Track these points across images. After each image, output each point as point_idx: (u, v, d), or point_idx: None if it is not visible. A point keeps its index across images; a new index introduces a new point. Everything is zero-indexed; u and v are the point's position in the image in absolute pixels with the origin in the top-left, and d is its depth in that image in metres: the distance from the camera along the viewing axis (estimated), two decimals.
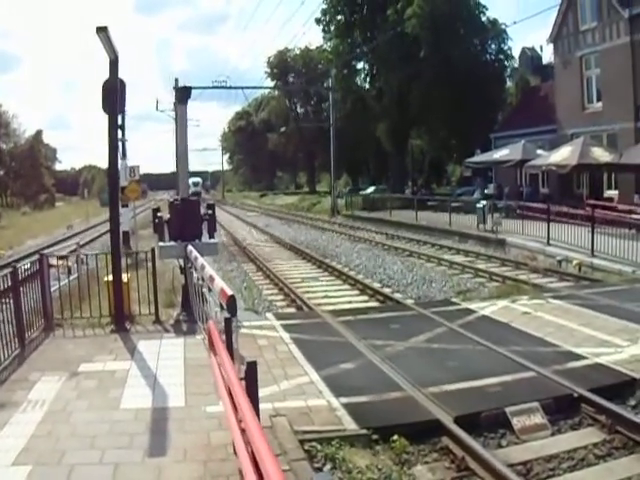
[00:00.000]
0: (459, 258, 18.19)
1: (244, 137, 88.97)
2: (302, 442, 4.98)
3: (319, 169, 77.38)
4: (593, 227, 15.14)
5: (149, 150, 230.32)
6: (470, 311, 9.55)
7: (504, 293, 11.61)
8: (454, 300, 11.20)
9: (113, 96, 8.73)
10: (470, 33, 36.40)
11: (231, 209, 58.90)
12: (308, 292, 13.55)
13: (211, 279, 6.20)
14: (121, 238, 10.11)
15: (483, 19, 39.29)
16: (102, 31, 7.83)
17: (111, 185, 9.63)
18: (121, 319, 8.71)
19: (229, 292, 5.11)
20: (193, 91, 13.06)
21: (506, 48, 40.73)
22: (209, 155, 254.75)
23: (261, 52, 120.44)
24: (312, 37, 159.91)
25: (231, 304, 4.96)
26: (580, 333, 7.97)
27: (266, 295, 13.78)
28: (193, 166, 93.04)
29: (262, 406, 4.40)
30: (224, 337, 4.64)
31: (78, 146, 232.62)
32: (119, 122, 9.46)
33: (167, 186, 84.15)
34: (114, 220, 9.22)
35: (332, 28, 42.07)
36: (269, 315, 10.07)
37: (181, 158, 10.90)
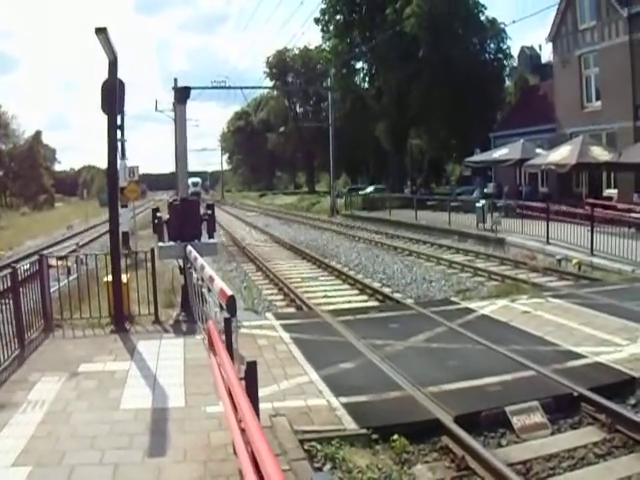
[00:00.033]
0: (458, 257, 18.19)
1: (243, 137, 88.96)
2: (302, 442, 4.98)
3: (318, 169, 77.40)
4: (592, 226, 15.15)
5: (148, 150, 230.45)
6: (470, 310, 9.56)
7: (503, 292, 11.62)
8: (453, 299, 11.21)
9: (112, 96, 8.73)
10: (469, 32, 36.42)
11: (230, 209, 58.88)
12: (308, 292, 13.55)
13: (211, 279, 6.20)
14: (120, 238, 10.11)
15: (482, 18, 39.30)
16: (101, 32, 7.83)
17: (110, 185, 9.63)
18: (121, 319, 8.71)
19: (229, 292, 5.11)
20: (192, 91, 13.07)
21: (505, 47, 40.87)
22: (208, 155, 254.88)
23: (260, 52, 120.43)
24: (311, 37, 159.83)
25: (231, 304, 4.96)
26: (580, 332, 7.97)
27: (266, 295, 13.78)
28: (192, 166, 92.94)
29: (262, 406, 4.40)
30: (224, 337, 4.64)
31: (77, 146, 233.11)
32: (118, 122, 9.42)
33: (166, 186, 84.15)
34: (113, 220, 9.22)
35: (331, 28, 42.07)
36: (269, 315, 10.07)
37: (180, 158, 10.87)
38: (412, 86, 37.49)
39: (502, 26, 39.35)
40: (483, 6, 39.18)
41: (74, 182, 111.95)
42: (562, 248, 16.17)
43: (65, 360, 7.17)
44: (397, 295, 12.90)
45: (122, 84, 9.15)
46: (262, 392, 4.57)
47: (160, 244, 9.57)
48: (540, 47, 40.58)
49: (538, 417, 5.58)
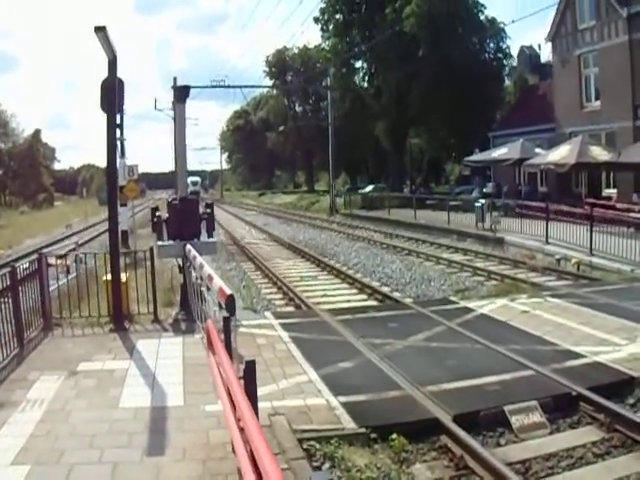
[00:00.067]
0: (458, 257, 18.20)
1: (243, 136, 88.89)
2: (301, 441, 4.98)
3: (317, 168, 77.34)
4: (592, 226, 15.16)
5: (148, 149, 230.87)
6: (469, 310, 9.56)
7: (503, 292, 11.63)
8: (453, 299, 11.22)
9: (112, 95, 8.73)
10: (468, 32, 36.35)
11: (230, 208, 58.86)
12: (307, 291, 13.55)
13: (210, 278, 6.20)
14: (120, 237, 10.10)
15: (481, 18, 39.22)
16: (100, 31, 7.82)
17: (110, 184, 9.62)
18: (120, 318, 8.71)
19: (228, 291, 5.11)
20: (192, 90, 13.02)
21: (505, 47, 40.74)
22: (208, 154, 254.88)
23: (260, 51, 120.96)
24: (311, 36, 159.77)
25: (230, 303, 4.96)
26: (579, 332, 7.98)
27: (265, 294, 13.78)
28: (192, 165, 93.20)
29: (261, 405, 4.40)
30: (223, 336, 4.64)
31: (77, 145, 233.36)
32: (117, 121, 9.45)
33: (166, 185, 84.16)
34: (113, 219, 9.23)
35: (330, 27, 41.99)
36: (268, 314, 10.06)
37: (180, 157, 10.85)
38: (412, 85, 37.46)
39: (502, 26, 39.37)
40: (483, 6, 39.17)
41: (73, 181, 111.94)
42: (561, 248, 16.18)
43: (64, 359, 7.17)
44: (396, 294, 12.91)
45: (121, 83, 9.16)
46: (261, 391, 4.57)
47: (159, 243, 9.57)
48: (540, 47, 40.69)
49: (537, 416, 5.58)
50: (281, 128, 64.28)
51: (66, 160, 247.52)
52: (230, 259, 19.89)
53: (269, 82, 69.06)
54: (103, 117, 8.68)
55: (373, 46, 37.31)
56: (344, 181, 69.98)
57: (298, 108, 74.46)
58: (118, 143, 15.06)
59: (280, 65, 69.66)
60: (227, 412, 3.92)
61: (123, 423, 5.31)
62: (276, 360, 7.09)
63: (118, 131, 13.23)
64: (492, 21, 39.69)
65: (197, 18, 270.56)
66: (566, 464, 4.91)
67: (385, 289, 13.51)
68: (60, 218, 45.31)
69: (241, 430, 3.37)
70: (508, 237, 19.27)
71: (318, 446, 4.99)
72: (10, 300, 7.35)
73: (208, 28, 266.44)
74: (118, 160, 13.16)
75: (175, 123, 13.37)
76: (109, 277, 8.87)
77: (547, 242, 17.13)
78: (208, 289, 6.62)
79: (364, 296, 13.10)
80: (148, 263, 9.24)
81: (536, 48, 41.10)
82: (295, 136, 69.65)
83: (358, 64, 44.50)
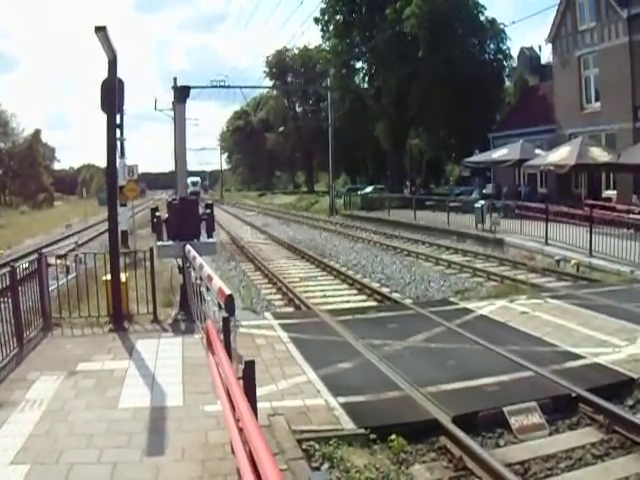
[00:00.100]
0: (457, 258, 18.20)
1: (242, 136, 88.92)
2: (300, 441, 4.98)
3: (317, 169, 77.39)
4: (591, 227, 15.16)
5: (148, 149, 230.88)
6: (468, 311, 9.57)
7: (502, 293, 11.63)
8: (452, 300, 11.23)
9: (112, 95, 8.73)
10: (469, 33, 36.40)
11: (230, 209, 58.85)
12: (306, 291, 13.56)
13: (209, 278, 6.20)
14: (119, 237, 10.11)
15: (482, 19, 39.25)
16: (100, 31, 7.82)
17: (109, 184, 9.62)
18: (119, 318, 8.71)
19: (227, 291, 5.11)
20: (192, 90, 13.05)
21: (505, 48, 40.79)
22: (208, 154, 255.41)
23: (260, 51, 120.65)
24: (311, 37, 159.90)
25: (229, 303, 4.96)
26: (578, 333, 7.98)
27: (264, 294, 13.78)
28: (191, 165, 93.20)
29: (260, 405, 4.40)
30: (222, 336, 4.64)
31: (77, 145, 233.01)
32: (117, 121, 9.44)
33: (166, 185, 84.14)
34: (112, 219, 9.23)
35: (331, 28, 42.01)
36: (267, 314, 10.07)
37: (179, 157, 10.85)
38: (412, 86, 37.49)
39: (502, 27, 39.37)
40: (483, 6, 39.20)
41: (73, 181, 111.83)
42: (561, 249, 16.18)
43: (64, 359, 7.17)
44: (396, 295, 12.91)
45: (121, 83, 9.16)
46: (260, 391, 4.57)
47: (159, 243, 9.57)
48: (540, 48, 40.74)
49: (536, 417, 5.58)
50: (281, 129, 64.29)
51: (66, 160, 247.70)
52: (230, 259, 19.89)
53: (269, 83, 69.22)
54: (103, 117, 8.69)
55: (373, 47, 37.36)
56: (344, 182, 69.96)
57: (298, 109, 74.53)
58: (118, 143, 15.07)
59: (280, 66, 69.73)
60: (226, 412, 3.92)
61: (122, 423, 5.31)
62: (275, 360, 7.09)
63: (118, 131, 13.24)
64: (492, 22, 39.73)
65: (197, 18, 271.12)
66: (565, 465, 4.91)
67: (385, 290, 13.51)
68: (60, 218, 45.33)
69: (240, 430, 3.37)
70: (508, 238, 19.28)
71: (317, 446, 4.99)
72: (10, 300, 7.35)
73: (208, 28, 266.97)
74: (118, 160, 13.17)
75: (175, 123, 13.37)
76: (109, 277, 8.87)
77: (547, 243, 17.13)
78: (208, 289, 6.61)
79: (364, 297, 13.10)
80: (148, 263, 9.24)
81: (536, 49, 41.21)
82: (295, 137, 69.69)
83: (358, 65, 44.59)
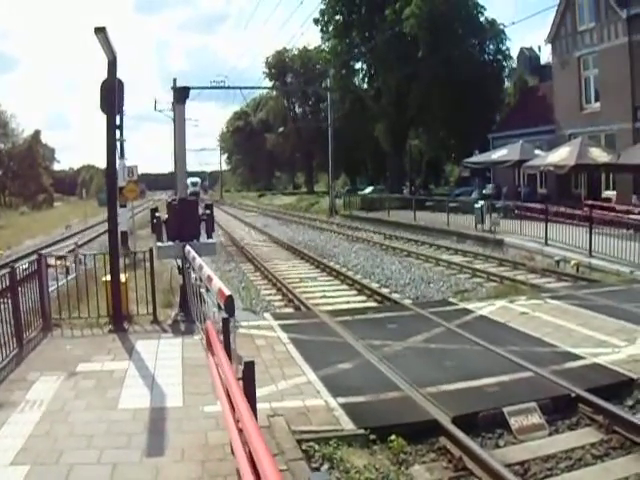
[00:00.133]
0: (457, 258, 18.20)
1: (242, 137, 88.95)
2: (300, 442, 4.98)
3: (317, 169, 77.40)
4: (591, 227, 15.16)
5: (148, 150, 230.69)
6: (468, 311, 9.57)
7: (502, 293, 11.63)
8: (452, 300, 11.22)
9: (111, 96, 8.73)
10: (468, 33, 36.42)
11: (229, 209, 58.87)
12: (306, 292, 13.56)
13: (209, 279, 6.20)
14: (119, 238, 10.11)
15: (481, 19, 39.28)
16: (100, 32, 7.83)
17: (109, 185, 9.62)
18: (119, 319, 8.71)
19: (227, 292, 5.10)
20: (192, 91, 13.05)
21: (504, 48, 40.82)
22: (207, 155, 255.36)
23: (260, 52, 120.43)
24: (310, 37, 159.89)
25: (229, 304, 4.96)
26: (578, 333, 7.98)
27: (264, 295, 13.79)
28: (191, 166, 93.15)
29: (260, 406, 4.40)
30: (222, 337, 4.64)
31: (76, 146, 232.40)
32: (117, 122, 9.45)
33: (165, 186, 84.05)
34: (112, 220, 9.23)
35: (330, 28, 42.01)
36: (267, 315, 10.08)
37: (179, 158, 10.86)
38: (411, 87, 37.51)
39: (501, 27, 39.41)
40: (482, 7, 39.24)
41: (73, 182, 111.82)
42: (560, 249, 16.19)
43: (63, 359, 7.17)
44: (395, 296, 12.91)
45: (121, 84, 9.16)
46: (260, 392, 4.57)
47: (159, 244, 9.57)
48: (539, 48, 40.89)
49: (536, 418, 5.59)
50: (281, 129, 64.27)
51: (66, 161, 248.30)
52: (229, 260, 19.90)
53: (269, 83, 69.10)
54: (103, 118, 8.69)
55: (373, 47, 37.34)
56: (344, 182, 70.03)
57: (298, 109, 74.59)
58: (118, 144, 15.09)
59: (280, 66, 69.74)
60: (226, 413, 3.92)
61: (122, 424, 5.31)
62: (275, 361, 7.10)
63: (118, 132, 13.27)
64: (492, 22, 39.77)
65: (197, 18, 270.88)
66: (565, 465, 4.92)
67: (384, 290, 13.52)
68: (60, 219, 45.33)
69: (240, 431, 3.37)
70: (507, 239, 19.28)
71: (317, 447, 4.99)
72: (9, 301, 7.36)
73: (208, 29, 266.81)
74: (118, 161, 13.16)
75: (175, 124, 13.38)
76: (108, 278, 8.87)
77: (546, 244, 17.13)
78: (207, 290, 6.62)
79: (363, 297, 13.10)
80: (147, 264, 9.24)
81: (536, 50, 41.33)
82: (295, 137, 69.68)
83: (358, 65, 44.58)
